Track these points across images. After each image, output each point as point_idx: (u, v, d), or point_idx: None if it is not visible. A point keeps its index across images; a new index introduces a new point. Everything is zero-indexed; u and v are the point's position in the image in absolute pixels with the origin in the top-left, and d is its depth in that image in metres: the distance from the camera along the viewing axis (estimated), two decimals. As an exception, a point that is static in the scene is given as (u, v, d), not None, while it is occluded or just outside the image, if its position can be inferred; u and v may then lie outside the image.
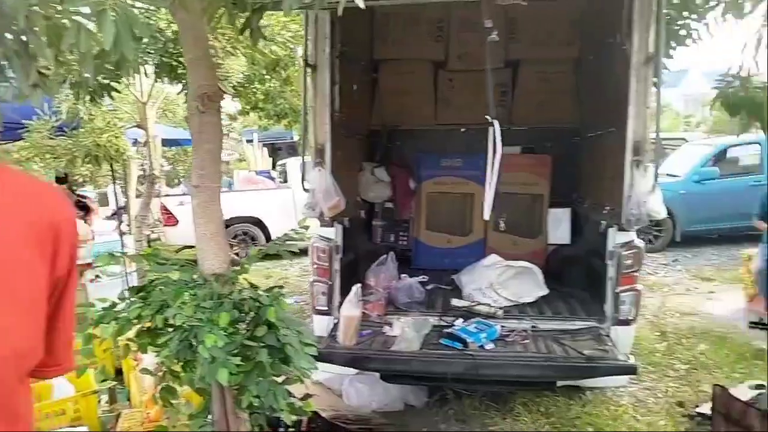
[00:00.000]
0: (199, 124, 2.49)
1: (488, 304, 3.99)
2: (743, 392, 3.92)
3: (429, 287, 4.61)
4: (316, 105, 3.86)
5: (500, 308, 4.00)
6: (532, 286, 4.18)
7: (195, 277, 2.54)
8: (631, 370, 3.34)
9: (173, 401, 2.61)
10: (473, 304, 4.03)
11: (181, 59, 4.89)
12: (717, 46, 5.83)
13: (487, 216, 3.20)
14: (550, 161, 5.27)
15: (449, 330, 3.70)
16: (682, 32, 4.39)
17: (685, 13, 4.35)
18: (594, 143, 4.61)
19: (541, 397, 4.19)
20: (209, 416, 2.60)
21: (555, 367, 3.35)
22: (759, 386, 3.88)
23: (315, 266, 3.94)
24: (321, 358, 3.70)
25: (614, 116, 3.81)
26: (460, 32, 5.46)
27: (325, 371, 4.13)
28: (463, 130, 5.55)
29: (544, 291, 4.22)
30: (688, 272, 8.13)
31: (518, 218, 5.28)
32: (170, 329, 2.42)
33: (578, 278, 4.51)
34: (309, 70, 3.87)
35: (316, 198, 3.69)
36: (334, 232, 3.92)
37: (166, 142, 10.12)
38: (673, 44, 4.42)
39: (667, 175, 9.61)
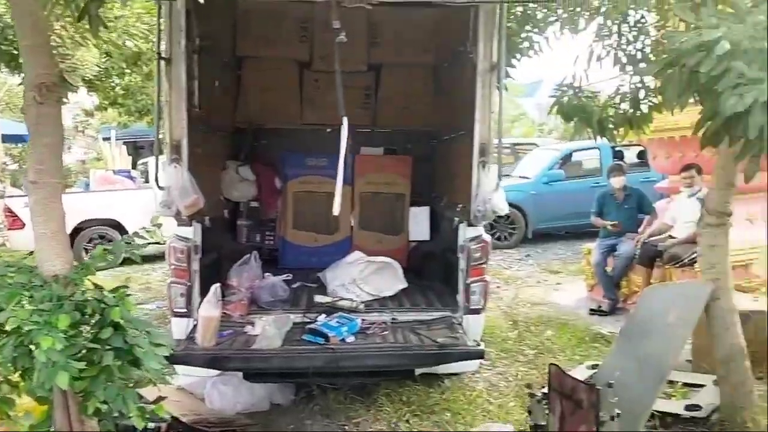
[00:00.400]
0: (37, 116, 2.35)
1: (351, 299, 4.11)
2: (582, 372, 4.37)
3: (295, 285, 4.64)
4: (171, 100, 3.75)
5: (362, 302, 4.13)
6: (392, 280, 4.37)
7: (33, 279, 2.39)
8: (479, 354, 3.61)
9: (10, 413, 2.43)
10: (336, 299, 4.12)
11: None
12: (565, 58, 6.42)
13: (336, 211, 3.30)
14: (411, 162, 5.51)
15: (312, 326, 3.76)
16: (526, 44, 4.79)
17: (528, 27, 4.76)
18: (448, 145, 4.91)
19: (402, 387, 4.36)
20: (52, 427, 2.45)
21: (411, 355, 3.53)
22: (594, 366, 4.35)
23: (172, 267, 3.82)
24: (178, 360, 3.62)
25: (464, 120, 4.08)
26: (324, 33, 5.55)
27: (187, 375, 4.03)
28: (329, 130, 5.63)
29: (404, 285, 4.42)
30: (539, 266, 8.83)
31: (382, 216, 5.48)
32: (4, 335, 2.26)
33: (436, 272, 4.77)
34: (163, 63, 3.75)
35: (171, 196, 3.59)
36: (192, 232, 3.83)
37: (10, 138, 9.22)
38: (518, 56, 4.81)
39: (520, 177, 10.43)
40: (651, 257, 5.90)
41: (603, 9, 4.51)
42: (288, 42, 5.56)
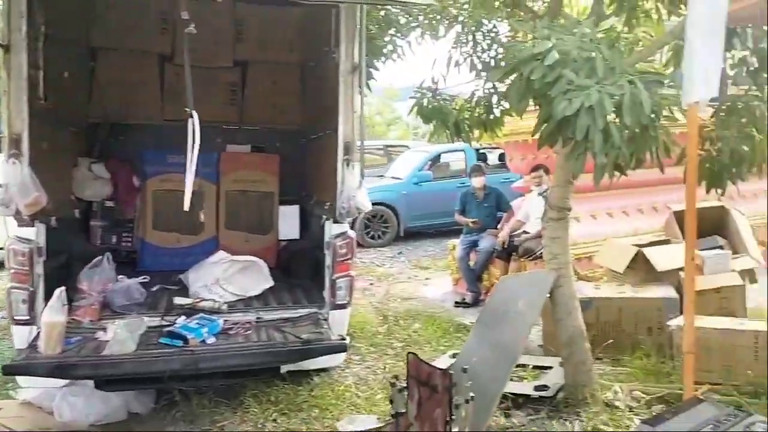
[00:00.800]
0: None
1: (213, 300, 4.01)
2: (445, 361, 4.59)
3: (154, 288, 4.45)
4: (10, 90, 3.45)
5: (225, 303, 4.04)
6: (258, 279, 4.32)
7: None
8: (342, 348, 3.68)
9: None
10: (197, 300, 4.00)
11: None
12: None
13: (187, 207, 3.21)
14: (279, 160, 5.48)
15: (169, 328, 3.62)
16: (390, 48, 4.94)
17: (392, 32, 4.92)
18: (316, 144, 4.95)
19: (270, 386, 4.32)
20: None
21: (274, 353, 3.52)
22: (455, 354, 4.58)
23: (12, 271, 3.51)
24: (17, 371, 3.34)
25: (330, 119, 4.14)
26: (186, 26, 5.37)
27: (33, 387, 3.72)
28: None
29: (270, 283, 4.39)
30: (410, 262, 9.15)
31: (250, 215, 5.39)
32: None
33: (306, 270, 4.78)
34: (1, 51, 3.45)
35: (10, 193, 3.29)
36: (35, 233, 3.53)
37: None
38: (383, 59, 4.95)
39: (392, 177, 10.73)
40: (508, 251, 6.34)
41: (461, 18, 4.80)
42: (148, 33, 5.30)
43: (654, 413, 3.63)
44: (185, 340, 3.50)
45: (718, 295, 4.89)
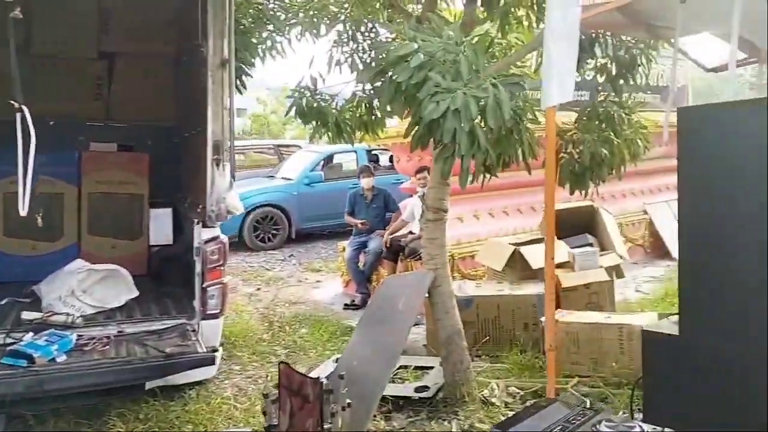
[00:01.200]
0: None
1: (67, 313, 3.65)
2: (329, 366, 4.50)
3: (3, 302, 4.01)
4: None
5: (81, 316, 3.70)
6: (120, 289, 4.00)
7: None
8: (210, 361, 3.47)
9: None
10: (47, 315, 3.63)
11: None
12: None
13: (23, 212, 2.90)
14: (149, 159, 5.13)
15: (13, 347, 3.25)
16: (269, 44, 4.75)
17: (270, 28, 4.74)
18: (190, 142, 4.67)
19: (139, 404, 4.02)
20: None
21: (132, 369, 3.25)
22: (338, 359, 4.50)
23: None
24: None
25: (201, 117, 3.91)
26: (45, 13, 4.90)
27: None
28: (51, 122, 4.98)
29: (134, 293, 4.08)
30: (301, 265, 8.97)
31: (116, 220, 5.00)
32: None
33: (179, 277, 4.50)
34: None
35: None
36: None
37: None
38: (261, 54, 4.75)
39: (283, 178, 10.51)
40: (395, 252, 6.37)
41: (341, 16, 4.72)
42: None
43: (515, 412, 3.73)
44: (30, 359, 3.15)
45: (588, 290, 5.16)
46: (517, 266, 5.42)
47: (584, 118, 3.71)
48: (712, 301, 2.15)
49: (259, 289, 7.67)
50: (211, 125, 3.60)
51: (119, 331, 3.64)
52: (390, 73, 2.89)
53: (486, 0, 3.60)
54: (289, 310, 6.70)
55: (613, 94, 3.90)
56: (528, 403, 3.95)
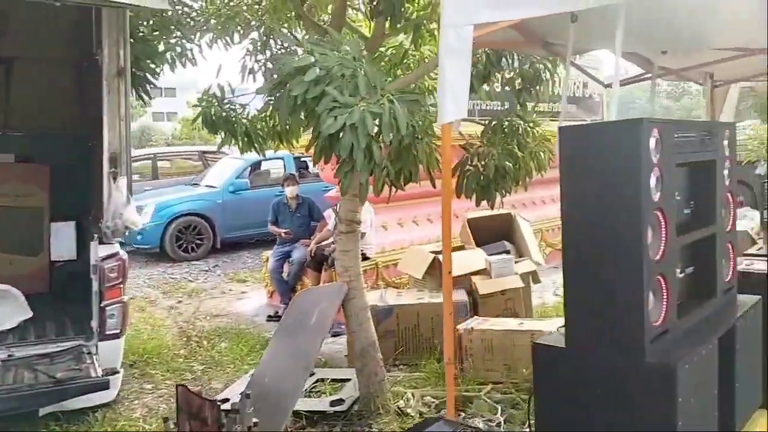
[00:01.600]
0: None
1: (-53, 339, 3.41)
2: (244, 382, 4.37)
3: None
4: None
5: (-36, 341, 3.46)
6: (11, 310, 3.77)
7: None
8: (103, 386, 3.30)
9: None
10: (-76, 341, 3.37)
11: None
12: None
13: None
14: (50, 171, 4.87)
15: None
16: (178, 51, 4.60)
17: (179, 34, 4.58)
18: (94, 153, 4.46)
19: (37, 428, 3.79)
20: None
21: (18, 397, 3.05)
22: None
23: None
24: None
25: (99, 127, 3.74)
26: None
27: None
28: None
29: (27, 314, 3.86)
30: (226, 276, 8.74)
31: (14, 235, 4.71)
32: None
33: (81, 295, 4.28)
34: None
35: None
36: None
37: None
38: (170, 61, 4.59)
39: (207, 186, 10.23)
40: (319, 262, 6.29)
41: (254, 23, 4.64)
42: None
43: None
44: None
45: (504, 296, 5.26)
46: (437, 274, 5.46)
47: (489, 132, 3.77)
48: (592, 314, 2.21)
49: (180, 301, 7.41)
50: (107, 136, 3.44)
51: (9, 355, 3.42)
52: (287, 86, 2.84)
53: (391, 14, 3.60)
54: (210, 324, 6.49)
55: (519, 107, 4.00)
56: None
